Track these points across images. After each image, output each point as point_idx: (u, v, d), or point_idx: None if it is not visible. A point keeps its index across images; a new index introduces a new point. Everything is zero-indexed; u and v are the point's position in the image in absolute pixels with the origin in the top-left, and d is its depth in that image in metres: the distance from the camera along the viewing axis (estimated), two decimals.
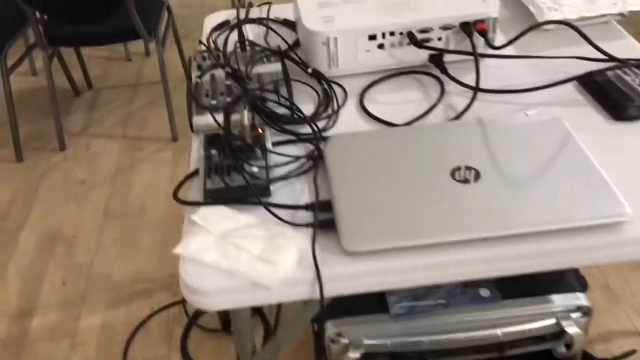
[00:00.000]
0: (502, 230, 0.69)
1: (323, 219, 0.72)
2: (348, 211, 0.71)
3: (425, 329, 0.94)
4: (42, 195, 2.03)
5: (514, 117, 0.85)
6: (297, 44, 1.09)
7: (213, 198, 0.76)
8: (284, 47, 1.08)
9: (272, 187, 0.77)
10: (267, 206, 0.74)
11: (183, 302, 1.58)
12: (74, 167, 2.15)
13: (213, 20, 1.20)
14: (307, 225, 0.72)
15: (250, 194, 0.76)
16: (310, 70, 0.98)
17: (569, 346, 1.02)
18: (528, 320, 0.99)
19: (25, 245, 1.83)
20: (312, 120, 0.89)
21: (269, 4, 1.21)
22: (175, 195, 0.78)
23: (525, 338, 1.00)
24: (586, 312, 1.00)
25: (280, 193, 0.78)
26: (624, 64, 0.92)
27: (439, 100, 0.92)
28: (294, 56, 1.04)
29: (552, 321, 0.99)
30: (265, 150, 0.80)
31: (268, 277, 0.66)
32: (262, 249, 0.69)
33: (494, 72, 0.98)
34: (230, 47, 1.06)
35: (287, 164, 0.81)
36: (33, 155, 2.22)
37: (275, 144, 0.86)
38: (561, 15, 1.04)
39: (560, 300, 0.99)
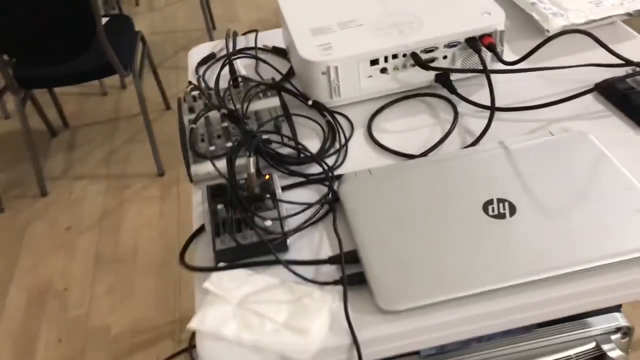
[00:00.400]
0: (547, 272, 0.62)
1: (351, 274, 0.65)
2: (377, 262, 0.64)
3: None
4: (27, 247, 1.93)
5: (537, 137, 0.78)
6: (290, 72, 1.02)
7: (225, 260, 0.68)
8: (276, 77, 1.01)
9: (288, 241, 0.70)
10: (287, 264, 0.67)
11: (189, 348, 1.50)
12: (57, 213, 2.05)
13: (197, 53, 1.12)
14: (334, 282, 0.65)
15: (266, 251, 0.69)
16: (310, 102, 0.92)
17: None
18: (566, 347, 0.93)
19: (13, 303, 1.73)
20: (320, 157, 0.82)
21: (256, 31, 1.15)
22: (182, 260, 0.71)
23: None
24: (626, 332, 0.94)
25: (298, 246, 0.71)
26: None
27: (454, 123, 0.86)
28: (290, 87, 0.97)
29: (592, 345, 0.93)
30: (276, 199, 0.73)
31: (300, 350, 0.58)
32: (287, 316, 0.62)
33: (504, 88, 0.92)
34: (221, 83, 0.99)
35: (301, 211, 0.74)
36: (13, 204, 2.12)
37: (283, 189, 0.79)
38: (567, 21, 0.99)
39: (598, 322, 0.93)
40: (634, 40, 0.98)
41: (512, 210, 0.68)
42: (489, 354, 0.91)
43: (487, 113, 0.87)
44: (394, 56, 0.89)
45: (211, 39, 2.63)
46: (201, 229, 0.75)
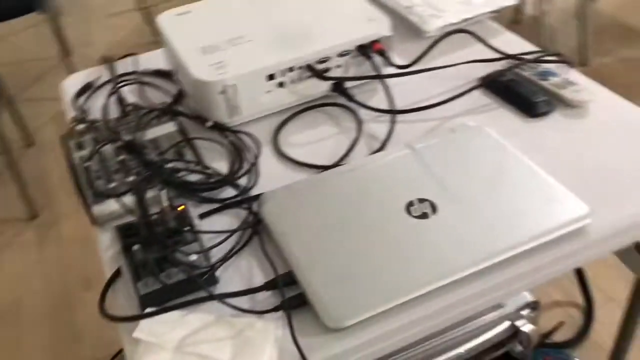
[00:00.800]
0: (479, 264, 0.64)
1: (291, 296, 0.63)
2: (316, 280, 0.63)
3: None
4: None
5: (440, 135, 0.81)
6: (180, 95, 0.97)
7: (152, 304, 0.63)
8: (166, 101, 0.96)
9: (216, 273, 0.66)
10: (221, 297, 0.63)
11: None
12: None
13: (71, 84, 1.04)
14: (274, 309, 0.62)
15: (195, 288, 0.64)
16: (209, 124, 0.88)
17: (523, 342, 1.02)
18: (484, 330, 0.98)
19: None
20: (231, 179, 0.79)
21: (134, 55, 1.08)
22: (102, 312, 0.64)
23: (486, 348, 0.98)
24: (534, 306, 1.00)
25: (228, 276, 0.67)
26: (520, 60, 0.93)
27: (359, 131, 0.87)
28: (185, 110, 0.93)
29: (507, 324, 0.99)
30: (195, 231, 0.69)
31: None
32: (232, 353, 0.58)
33: (398, 90, 0.94)
34: (97, 111, 0.92)
35: (225, 239, 0.70)
36: None
37: (200, 217, 0.74)
38: (444, 21, 1.04)
39: (509, 302, 0.99)
40: (503, 35, 1.06)
41: (434, 208, 0.70)
42: (414, 352, 0.93)
43: (388, 117, 0.89)
44: (290, 69, 0.88)
45: (68, 66, 2.45)
46: (116, 275, 0.69)
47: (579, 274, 1.30)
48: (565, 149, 0.80)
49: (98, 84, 1.02)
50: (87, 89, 1.01)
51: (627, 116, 0.85)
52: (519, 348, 1.02)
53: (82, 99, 0.99)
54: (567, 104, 0.87)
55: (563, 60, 0.95)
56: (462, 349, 0.95)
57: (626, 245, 0.72)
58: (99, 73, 1.05)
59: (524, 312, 0.99)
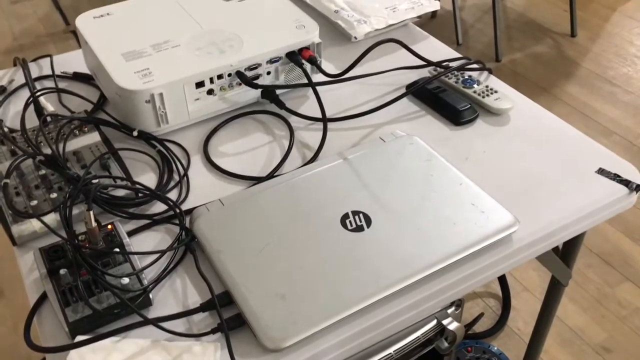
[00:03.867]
0: (413, 276, 0.66)
1: (228, 317, 0.62)
2: (253, 300, 0.62)
3: None
4: None
5: (371, 145, 0.82)
6: (102, 101, 0.93)
7: (82, 331, 0.60)
8: (88, 107, 0.91)
9: (150, 295, 0.64)
10: (156, 321, 0.61)
11: None
12: None
13: None
14: (212, 331, 0.61)
15: (128, 312, 0.62)
16: (135, 133, 0.85)
17: (449, 339, 1.06)
18: (413, 330, 1.00)
19: None
20: (162, 193, 0.76)
21: (49, 56, 1.02)
22: (28, 342, 0.61)
23: (414, 347, 1.01)
24: (458, 304, 1.04)
25: (162, 298, 0.65)
26: (445, 68, 0.96)
27: (291, 140, 0.86)
28: (108, 118, 0.89)
29: (434, 322, 1.02)
30: (126, 251, 0.67)
31: None
32: None
33: (329, 97, 0.95)
34: (12, 119, 0.86)
35: (157, 259, 0.68)
36: None
37: (129, 235, 0.72)
38: (370, 27, 1.05)
39: None
40: (428, 40, 1.08)
41: (368, 221, 0.71)
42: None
43: (319, 125, 0.89)
44: (219, 76, 0.86)
45: None
46: (41, 300, 0.65)
47: None
48: (489, 157, 0.83)
49: (11, 89, 0.95)
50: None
51: (545, 123, 0.89)
52: (445, 345, 1.06)
53: None
54: (489, 112, 0.91)
55: (484, 68, 0.99)
56: (391, 350, 0.98)
57: (547, 250, 0.76)
58: (12, 76, 0.99)
59: (449, 311, 1.03)
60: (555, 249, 0.94)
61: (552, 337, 1.42)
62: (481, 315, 1.45)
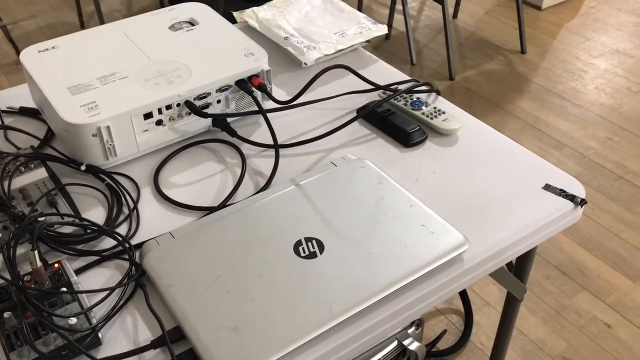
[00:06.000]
0: (366, 301, 0.66)
1: (180, 353, 0.61)
2: (206, 334, 0.61)
3: None
4: None
5: (323, 170, 0.83)
6: (49, 135, 0.91)
7: None
8: (34, 143, 0.90)
9: (99, 334, 0.63)
10: None
11: None
12: None
13: None
14: None
15: (76, 353, 0.60)
16: (83, 167, 0.83)
17: (410, 359, 1.06)
18: (375, 352, 1.00)
19: None
20: (109, 228, 0.75)
21: None
22: None
23: None
24: (419, 323, 1.05)
25: (112, 336, 0.64)
26: (394, 91, 0.98)
27: (243, 168, 0.86)
28: (55, 153, 0.87)
29: (395, 343, 1.02)
30: (73, 290, 0.65)
31: None
32: None
33: (279, 123, 0.95)
34: None
35: (106, 297, 0.67)
36: None
37: (77, 272, 0.70)
38: (320, 52, 1.06)
39: None
40: (377, 64, 1.10)
41: (321, 247, 0.71)
42: None
43: (271, 151, 0.89)
44: (168, 107, 0.86)
45: None
46: None
47: None
48: (439, 177, 0.85)
49: None
50: None
51: (493, 141, 0.91)
52: None
53: None
54: (438, 132, 0.93)
55: (432, 89, 1.01)
56: None
57: (499, 267, 0.78)
58: None
59: (410, 331, 1.03)
60: (509, 265, 0.95)
61: (515, 350, 1.44)
62: (444, 332, 1.46)
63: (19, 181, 0.80)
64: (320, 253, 0.70)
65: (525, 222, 0.78)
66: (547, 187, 0.82)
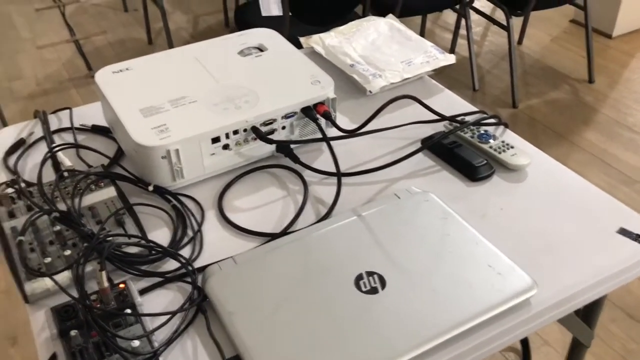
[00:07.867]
0: (428, 343, 0.64)
1: None
2: None
3: None
4: None
5: (386, 201, 0.82)
6: (119, 154, 0.94)
7: None
8: (104, 161, 0.92)
9: (160, 358, 0.63)
10: None
11: None
12: None
13: (1, 139, 0.98)
14: None
15: None
16: (151, 188, 0.85)
17: None
18: None
19: None
20: (173, 250, 0.76)
21: (69, 109, 1.04)
22: None
23: None
24: None
25: None
26: (461, 123, 0.96)
27: (305, 195, 0.86)
28: (124, 172, 0.90)
29: None
30: (137, 312, 0.66)
31: None
32: None
33: (342, 151, 0.95)
34: (30, 172, 0.87)
35: (167, 321, 0.67)
36: None
37: (141, 293, 0.71)
38: (386, 81, 1.05)
39: None
40: (442, 93, 1.08)
41: (383, 282, 0.70)
42: None
43: (333, 179, 0.89)
44: (235, 132, 0.87)
45: None
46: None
47: None
48: (506, 215, 0.82)
49: (31, 142, 0.97)
50: (18, 146, 0.96)
51: (563, 179, 0.88)
52: None
53: (12, 158, 0.94)
54: (506, 167, 0.90)
55: (500, 122, 0.98)
56: None
57: (568, 313, 0.74)
58: (31, 128, 1.01)
59: None
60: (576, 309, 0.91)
61: None
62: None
63: (89, 199, 0.82)
64: (382, 289, 0.69)
65: (598, 267, 0.74)
66: (623, 232, 0.78)
